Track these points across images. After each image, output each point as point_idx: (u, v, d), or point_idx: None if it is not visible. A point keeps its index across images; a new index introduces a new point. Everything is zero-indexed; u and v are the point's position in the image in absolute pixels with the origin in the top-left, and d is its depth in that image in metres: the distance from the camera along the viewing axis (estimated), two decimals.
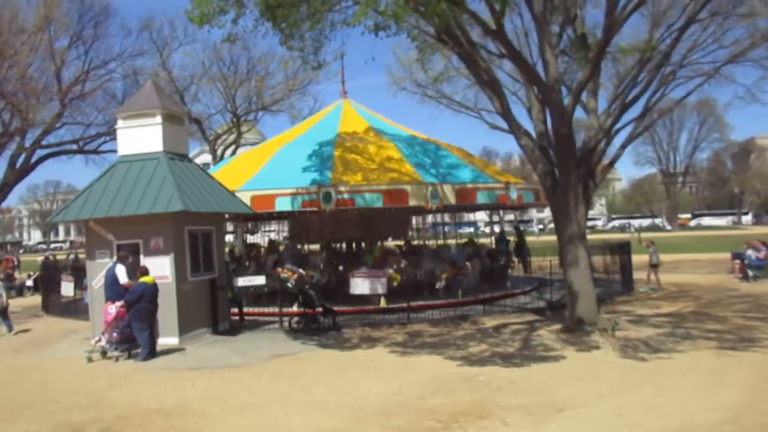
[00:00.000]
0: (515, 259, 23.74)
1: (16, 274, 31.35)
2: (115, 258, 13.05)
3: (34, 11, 27.35)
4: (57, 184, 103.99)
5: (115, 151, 17.17)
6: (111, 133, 33.44)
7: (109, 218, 13.26)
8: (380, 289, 15.10)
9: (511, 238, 24.19)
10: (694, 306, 17.01)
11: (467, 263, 18.07)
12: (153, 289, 12.06)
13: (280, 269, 16.36)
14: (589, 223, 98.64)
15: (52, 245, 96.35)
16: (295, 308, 15.05)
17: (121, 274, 12.38)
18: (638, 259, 22.01)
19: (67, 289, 20.14)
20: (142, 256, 13.42)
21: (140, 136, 14.08)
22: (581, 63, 13.33)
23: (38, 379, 10.70)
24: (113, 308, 12.02)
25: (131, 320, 11.90)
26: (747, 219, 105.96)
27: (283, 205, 16.36)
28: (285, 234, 31.43)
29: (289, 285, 14.75)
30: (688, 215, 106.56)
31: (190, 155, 15.37)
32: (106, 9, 30.76)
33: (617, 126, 14.66)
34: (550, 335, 12.96)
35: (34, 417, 8.38)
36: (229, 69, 31.30)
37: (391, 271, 16.27)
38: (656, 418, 7.22)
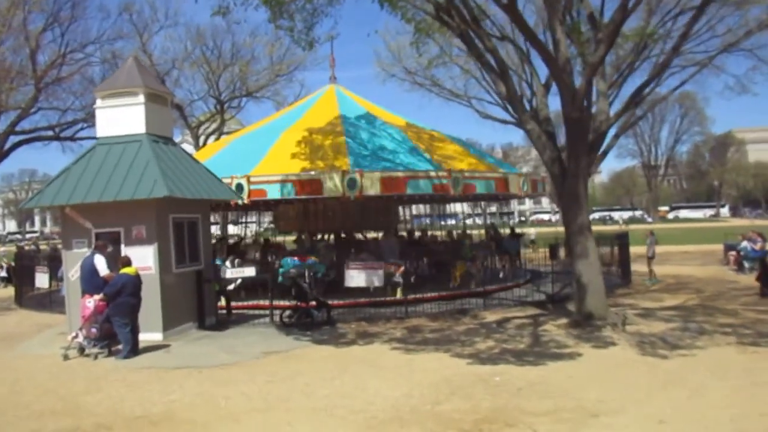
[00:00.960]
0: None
1: None
2: (92, 247, 12.10)
3: None
4: (32, 173, 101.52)
5: (93, 138, 16.18)
6: (89, 120, 32.14)
7: (87, 204, 12.29)
8: (377, 282, 14.31)
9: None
10: (698, 299, 16.50)
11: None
12: (135, 282, 11.14)
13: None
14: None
15: (28, 235, 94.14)
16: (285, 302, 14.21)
17: (101, 264, 11.45)
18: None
19: (42, 280, 19.11)
20: (123, 246, 12.48)
21: (121, 117, 13.09)
22: (587, 45, 12.56)
23: (7, 380, 9.74)
24: (91, 302, 11.09)
25: (111, 315, 10.98)
26: (724, 211, 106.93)
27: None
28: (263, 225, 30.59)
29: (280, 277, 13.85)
30: (667, 207, 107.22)
31: None
32: None
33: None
34: (559, 330, 12.28)
35: (1, 426, 7.47)
36: (213, 53, 30.18)
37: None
38: (702, 425, 6.53)
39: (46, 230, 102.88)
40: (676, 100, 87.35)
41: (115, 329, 11.06)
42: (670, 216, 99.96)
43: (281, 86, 32.50)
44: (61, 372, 10.16)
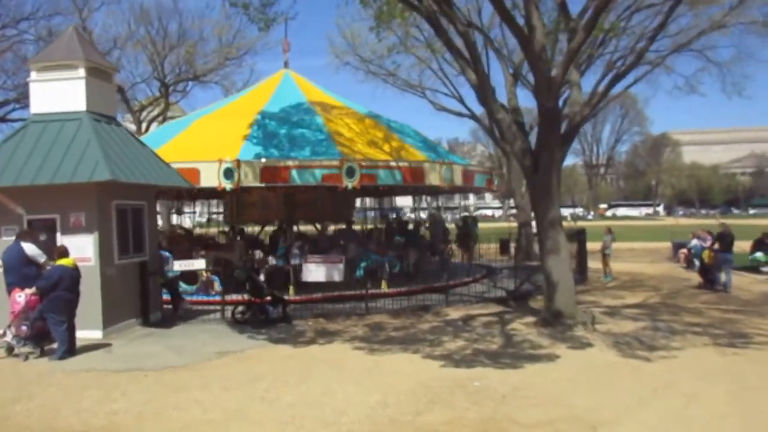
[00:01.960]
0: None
1: None
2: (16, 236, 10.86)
3: None
4: None
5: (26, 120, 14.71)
6: (21, 100, 30.11)
7: (19, 188, 11.05)
8: (336, 276, 13.51)
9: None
10: (658, 296, 16.39)
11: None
12: (73, 274, 10.02)
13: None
14: (510, 211, 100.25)
15: None
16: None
17: (34, 251, 10.30)
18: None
19: None
20: (59, 235, 11.31)
21: (59, 92, 11.87)
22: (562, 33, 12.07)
23: None
24: (22, 296, 9.91)
25: (45, 311, 9.84)
26: (659, 210, 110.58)
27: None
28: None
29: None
30: (605, 205, 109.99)
31: None
32: None
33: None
34: (529, 329, 11.78)
35: None
36: (158, 33, 28.53)
37: None
38: None
39: None
40: (618, 101, 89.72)
41: (49, 327, 9.93)
42: (609, 213, 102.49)
43: (230, 71, 31.21)
44: None
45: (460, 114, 30.49)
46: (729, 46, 34.45)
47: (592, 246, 22.11)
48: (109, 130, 12.18)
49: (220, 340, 11.38)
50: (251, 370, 9.19)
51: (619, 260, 26.25)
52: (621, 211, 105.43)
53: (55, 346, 10.01)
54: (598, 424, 6.37)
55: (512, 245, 27.07)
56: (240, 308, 12.94)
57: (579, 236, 20.52)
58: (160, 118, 31.51)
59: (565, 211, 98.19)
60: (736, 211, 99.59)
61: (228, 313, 13.06)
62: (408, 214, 48.34)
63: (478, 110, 30.44)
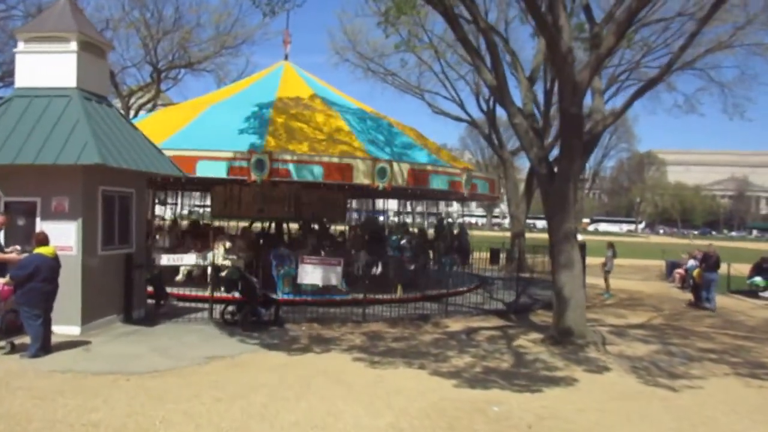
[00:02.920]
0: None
1: None
2: None
3: None
4: None
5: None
6: (7, 78, 28.94)
7: None
8: (334, 279, 12.73)
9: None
10: (661, 318, 15.86)
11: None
12: (52, 264, 9.14)
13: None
14: (495, 220, 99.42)
15: None
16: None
17: None
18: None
19: None
20: (39, 220, 10.41)
21: (47, 66, 10.98)
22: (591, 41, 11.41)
23: None
24: None
25: (19, 304, 8.96)
26: (640, 227, 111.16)
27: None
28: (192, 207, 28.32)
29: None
30: (587, 220, 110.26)
31: None
32: None
33: None
34: (538, 347, 11.11)
35: None
36: (153, 16, 27.56)
37: None
38: None
39: None
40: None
41: (21, 321, 9.04)
42: (591, 228, 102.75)
43: (226, 60, 30.27)
44: None
45: (458, 119, 29.93)
46: (733, 66, 33.88)
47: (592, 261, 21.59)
48: (101, 110, 11.31)
49: (209, 342, 10.56)
50: (245, 379, 8.39)
51: (611, 277, 25.82)
52: (603, 227, 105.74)
53: (27, 341, 9.12)
54: None
55: (502, 255, 26.52)
56: (230, 308, 12.11)
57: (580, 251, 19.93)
58: (150, 105, 30.46)
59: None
60: (714, 233, 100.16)
61: (216, 313, 12.23)
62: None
63: (478, 116, 29.94)
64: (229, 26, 28.36)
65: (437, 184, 16.47)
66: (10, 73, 22.54)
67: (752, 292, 21.15)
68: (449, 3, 11.62)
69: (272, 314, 12.24)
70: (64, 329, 10.08)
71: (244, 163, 13.60)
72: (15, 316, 9.12)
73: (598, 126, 11.63)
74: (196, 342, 10.48)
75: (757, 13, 21.00)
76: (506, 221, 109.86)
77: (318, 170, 14.14)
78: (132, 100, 31.27)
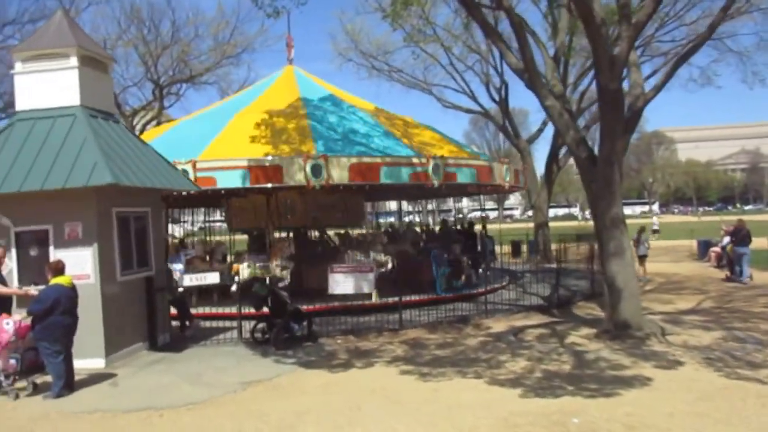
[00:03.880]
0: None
1: None
2: None
3: None
4: None
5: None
6: (9, 109, 28.46)
7: (4, 196, 9.47)
8: (366, 288, 11.98)
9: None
10: (711, 301, 15.05)
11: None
12: (71, 295, 8.44)
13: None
14: (506, 213, 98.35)
15: None
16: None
17: None
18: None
19: None
20: (52, 248, 9.73)
21: (48, 85, 10.31)
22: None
23: None
24: (10, 323, 8.32)
25: (38, 340, 8.25)
26: (654, 209, 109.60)
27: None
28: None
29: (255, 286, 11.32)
30: None
31: None
32: None
33: None
34: (595, 344, 10.33)
35: None
36: (150, 32, 26.95)
37: None
38: None
39: None
40: None
41: (42, 359, 8.35)
42: None
43: (227, 70, 29.64)
44: None
45: (469, 111, 29.18)
46: (751, 33, 32.90)
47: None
48: (108, 127, 10.63)
49: (242, 365, 9.84)
50: (288, 405, 7.66)
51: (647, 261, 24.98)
52: None
53: (49, 379, 8.43)
54: None
55: (524, 247, 25.72)
56: (260, 326, 11.39)
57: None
58: (154, 123, 29.87)
59: (560, 211, 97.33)
60: (730, 208, 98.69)
61: (245, 331, 11.51)
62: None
63: (490, 106, 29.15)
64: (228, 35, 27.76)
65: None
66: (13, 104, 22.07)
67: None
68: None
69: (305, 329, 11.52)
70: (87, 363, 9.40)
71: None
72: (35, 355, 8.43)
73: (639, 101, 10.83)
74: (229, 366, 9.76)
75: None
76: (517, 213, 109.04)
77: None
78: (135, 120, 30.68)
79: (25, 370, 8.42)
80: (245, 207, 17.71)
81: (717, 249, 22.86)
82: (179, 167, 12.13)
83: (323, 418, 7.07)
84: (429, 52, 26.77)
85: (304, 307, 12.01)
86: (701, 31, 21.45)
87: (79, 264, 9.54)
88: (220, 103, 20.09)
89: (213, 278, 11.73)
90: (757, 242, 20.36)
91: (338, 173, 12.92)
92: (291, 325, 11.26)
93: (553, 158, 26.01)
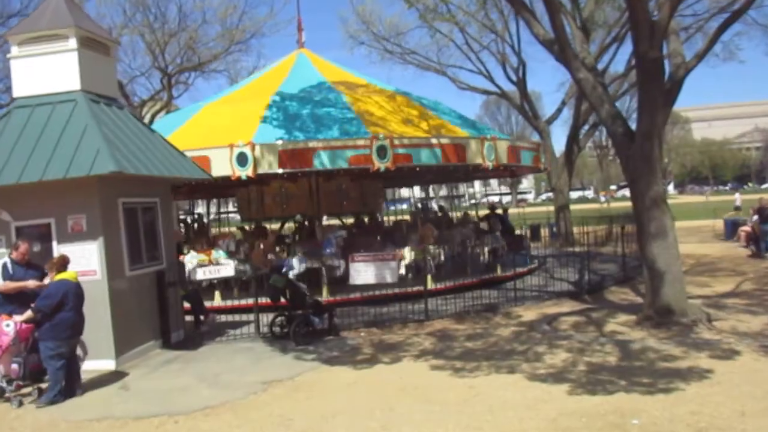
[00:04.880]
0: None
1: None
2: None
3: None
4: None
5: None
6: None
7: (3, 188, 8.86)
8: (389, 277, 11.32)
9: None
10: (749, 282, 14.29)
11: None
12: (78, 291, 7.86)
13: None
14: (520, 197, 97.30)
15: None
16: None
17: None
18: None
19: None
20: (55, 243, 9.13)
21: (46, 69, 9.67)
22: None
23: None
24: (11, 325, 7.72)
25: (42, 339, 7.65)
26: (670, 189, 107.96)
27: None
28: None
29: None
30: (614, 187, 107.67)
31: None
32: None
33: None
34: (637, 332, 9.63)
35: None
36: (156, 19, 26.28)
37: None
38: None
39: None
40: (624, 80, 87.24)
41: (42, 360, 7.75)
42: (618, 194, 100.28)
43: (236, 57, 28.94)
44: None
45: (486, 92, 28.34)
46: None
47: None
48: (110, 113, 9.98)
49: (262, 363, 9.23)
50: (313, 407, 7.04)
51: None
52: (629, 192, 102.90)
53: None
54: None
55: (543, 231, 24.96)
56: (279, 320, 10.78)
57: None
58: (163, 113, 29.27)
59: (574, 194, 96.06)
60: (745, 187, 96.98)
61: (263, 326, 10.90)
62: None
63: (508, 87, 28.27)
64: (236, 20, 27.02)
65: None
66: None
67: None
68: None
69: (326, 322, 10.88)
70: (96, 364, 8.83)
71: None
72: (38, 358, 7.83)
73: (680, 71, 10.01)
74: (247, 364, 9.15)
75: None
76: (530, 197, 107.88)
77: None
78: (144, 110, 30.09)
79: (28, 375, 7.83)
80: (294, 193, 17.11)
81: (747, 228, 21.97)
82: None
83: (353, 421, 6.44)
84: (443, 32, 25.95)
85: (324, 298, 11.41)
86: (723, 4, 20.58)
87: (85, 259, 8.95)
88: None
89: (227, 271, 11.10)
90: None
91: (268, 160, 12.45)
92: (311, 318, 10.63)
93: (573, 139, 25.16)
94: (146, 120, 28.58)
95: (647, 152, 9.82)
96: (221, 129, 13.68)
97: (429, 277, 13.05)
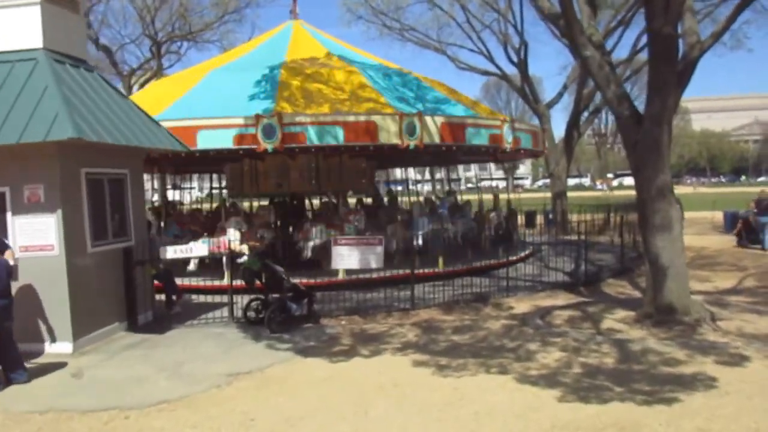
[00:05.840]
0: None
1: None
2: None
3: None
4: None
5: None
6: None
7: None
8: (374, 262, 10.61)
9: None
10: (752, 279, 13.69)
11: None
12: (10, 269, 7.20)
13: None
14: (516, 182, 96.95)
15: None
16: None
17: None
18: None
19: None
20: (9, 215, 8.39)
21: (5, 24, 8.85)
22: None
23: None
24: None
25: None
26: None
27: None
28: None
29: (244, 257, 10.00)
30: (611, 175, 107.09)
31: None
32: None
33: None
34: (636, 331, 8.98)
35: None
36: None
37: None
38: None
39: None
40: (627, 65, 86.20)
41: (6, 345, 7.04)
42: (615, 183, 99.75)
43: (230, 27, 27.90)
44: None
45: (486, 72, 27.53)
46: None
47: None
48: (76, 74, 9.18)
49: (231, 351, 8.54)
50: (280, 405, 6.37)
51: None
52: (627, 181, 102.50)
53: (16, 374, 7.15)
54: None
55: (538, 218, 24.30)
56: (253, 304, 10.08)
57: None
58: (153, 82, 28.32)
59: (571, 181, 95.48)
60: (742, 180, 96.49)
61: (237, 309, 10.21)
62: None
63: (509, 69, 27.43)
64: None
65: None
66: None
67: None
68: None
69: (304, 307, 10.19)
70: (51, 348, 8.19)
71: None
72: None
73: (694, 50, 9.26)
74: (216, 352, 8.47)
75: None
76: (527, 182, 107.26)
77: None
78: (133, 80, 29.14)
79: None
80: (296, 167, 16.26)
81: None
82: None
83: (322, 426, 5.76)
84: (444, 9, 25.09)
85: (303, 281, 10.70)
86: None
87: (41, 233, 8.24)
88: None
89: (200, 250, 10.38)
90: None
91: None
92: (288, 303, 9.92)
93: (573, 124, 24.40)
94: (134, 90, 27.67)
95: (656, 137, 9.10)
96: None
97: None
